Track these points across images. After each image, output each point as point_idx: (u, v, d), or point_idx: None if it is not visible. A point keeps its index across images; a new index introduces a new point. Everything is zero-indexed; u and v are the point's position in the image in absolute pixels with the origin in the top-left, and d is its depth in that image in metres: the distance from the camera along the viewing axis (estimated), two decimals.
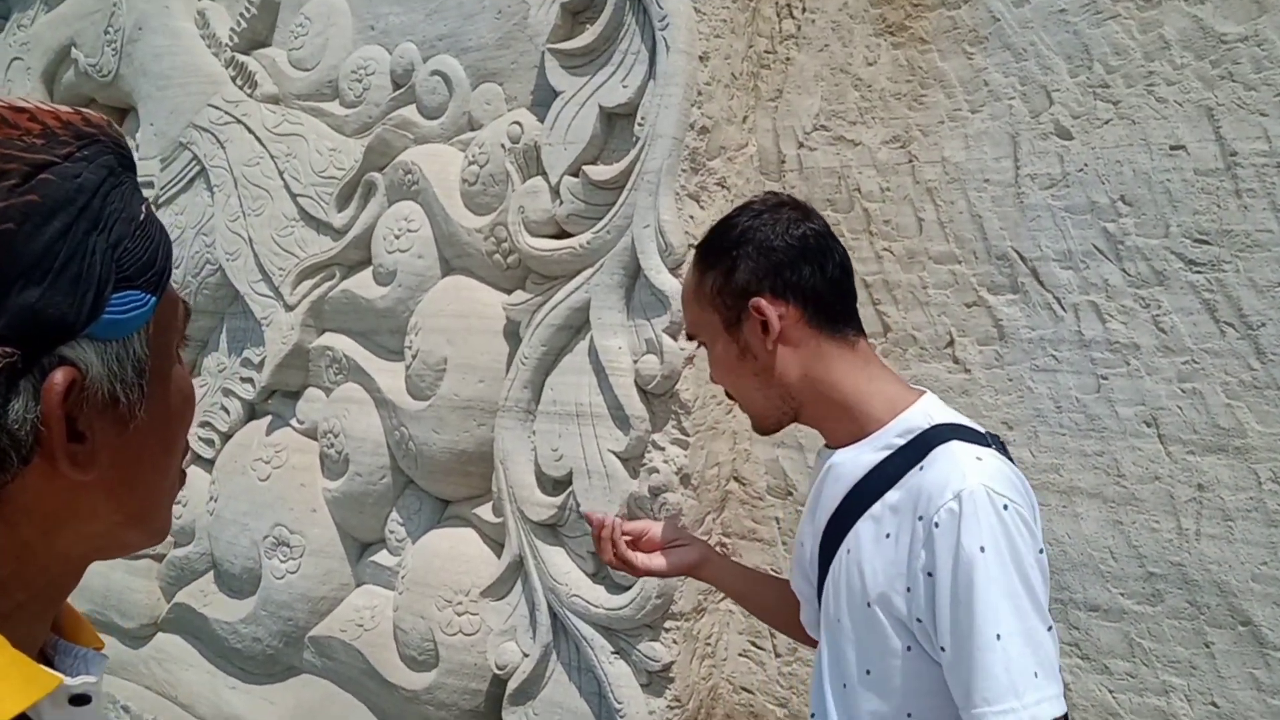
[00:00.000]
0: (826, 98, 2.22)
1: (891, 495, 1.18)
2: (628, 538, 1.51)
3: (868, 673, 1.19)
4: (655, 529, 1.54)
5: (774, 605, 1.55)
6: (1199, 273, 1.78)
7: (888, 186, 2.13)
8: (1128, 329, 1.84)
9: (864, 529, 1.20)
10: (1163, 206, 1.81)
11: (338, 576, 3.00)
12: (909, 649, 1.16)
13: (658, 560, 1.52)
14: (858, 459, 1.24)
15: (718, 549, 1.61)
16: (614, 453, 2.24)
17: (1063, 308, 1.91)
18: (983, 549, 1.08)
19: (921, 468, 1.17)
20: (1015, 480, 1.15)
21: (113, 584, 3.53)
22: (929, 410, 1.23)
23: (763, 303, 1.25)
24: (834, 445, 1.29)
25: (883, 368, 1.31)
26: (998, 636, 1.06)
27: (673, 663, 2.20)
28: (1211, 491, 1.75)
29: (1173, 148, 1.81)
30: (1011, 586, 1.08)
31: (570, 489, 2.32)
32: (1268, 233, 1.71)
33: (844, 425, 1.27)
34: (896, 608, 1.15)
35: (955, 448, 1.16)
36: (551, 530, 2.40)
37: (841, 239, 2.18)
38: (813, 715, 1.28)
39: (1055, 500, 1.90)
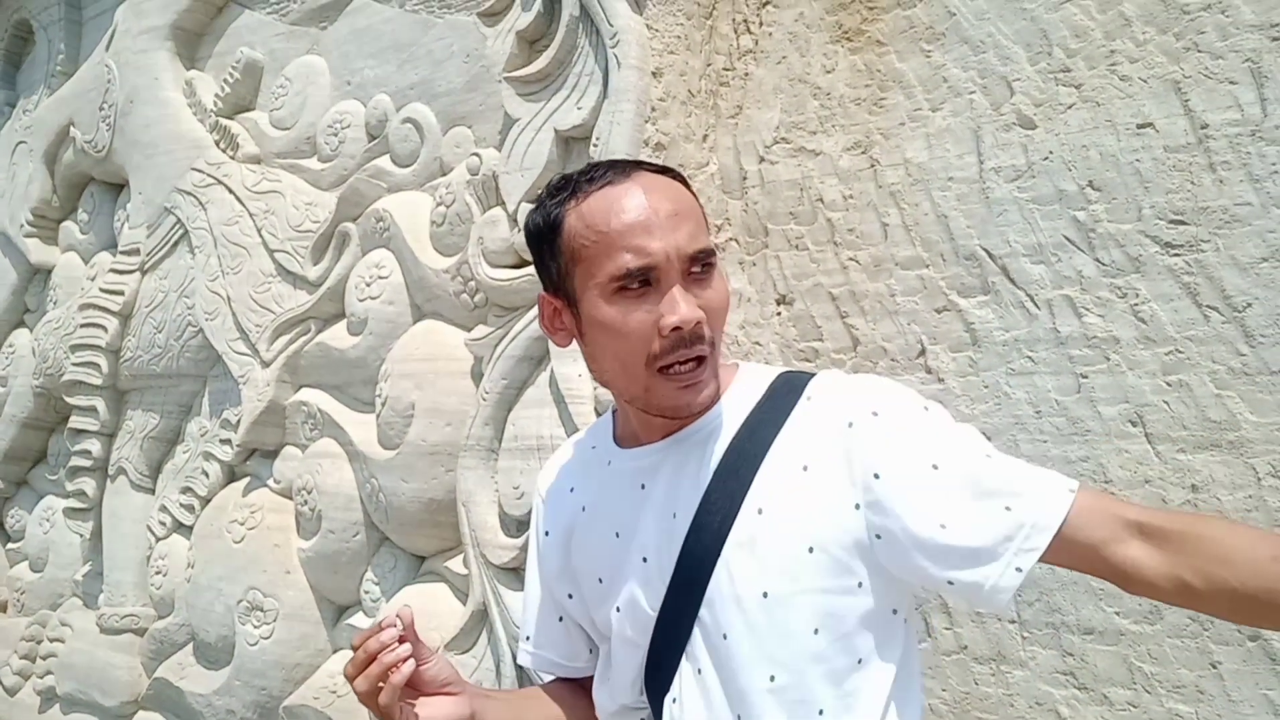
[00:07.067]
0: (786, 109, 2.14)
1: (787, 434, 1.07)
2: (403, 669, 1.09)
3: (815, 632, 1.03)
4: (437, 666, 1.15)
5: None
6: (1177, 255, 1.64)
7: (850, 194, 2.03)
8: (1105, 321, 1.70)
9: (769, 478, 1.07)
10: (1133, 189, 1.69)
11: (313, 642, 2.85)
12: (860, 585, 1.03)
13: (431, 709, 1.12)
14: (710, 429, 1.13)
15: (481, 687, 1.25)
16: None
17: (1035, 305, 1.78)
18: (926, 408, 1.06)
19: (809, 398, 1.09)
20: None
21: (95, 661, 3.40)
22: (758, 368, 1.19)
23: None
24: (650, 438, 1.16)
25: None
26: (988, 456, 1.03)
27: None
28: (1206, 491, 1.58)
29: (1140, 126, 1.69)
30: (967, 427, 1.07)
31: None
32: (1246, 205, 1.58)
33: None
34: (853, 533, 1.03)
35: (831, 373, 1.14)
36: (515, 575, 2.25)
37: (805, 252, 2.10)
38: None
39: None
